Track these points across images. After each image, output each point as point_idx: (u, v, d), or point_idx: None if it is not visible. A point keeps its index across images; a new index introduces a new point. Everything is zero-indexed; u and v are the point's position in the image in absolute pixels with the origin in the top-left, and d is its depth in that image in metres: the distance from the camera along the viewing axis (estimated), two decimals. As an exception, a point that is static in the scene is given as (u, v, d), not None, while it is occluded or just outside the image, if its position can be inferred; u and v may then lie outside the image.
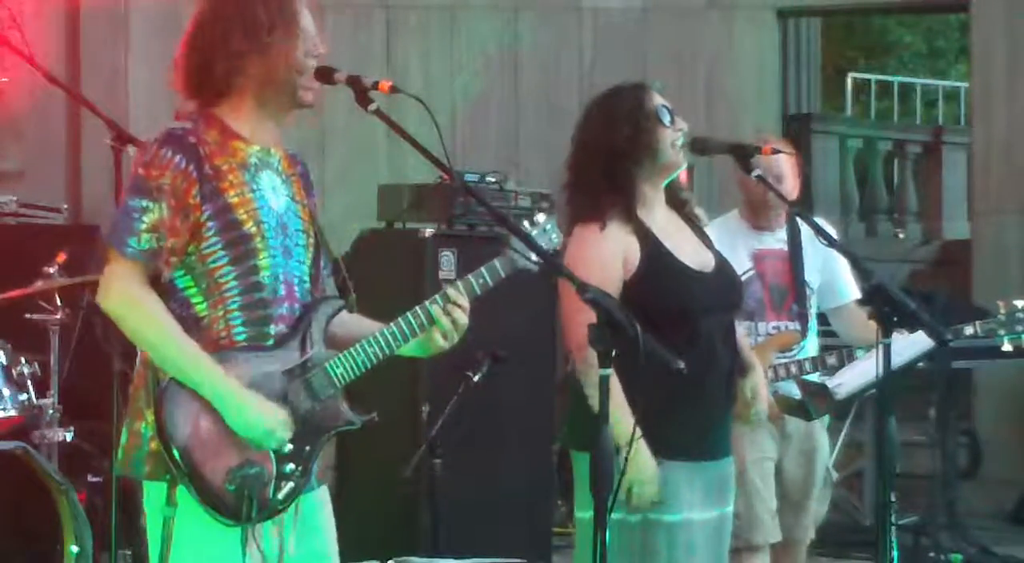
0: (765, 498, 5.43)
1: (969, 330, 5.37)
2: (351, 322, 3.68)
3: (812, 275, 5.61)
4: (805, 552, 5.77)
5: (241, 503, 3.42)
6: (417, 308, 3.61)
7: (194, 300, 3.52)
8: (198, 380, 3.45)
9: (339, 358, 3.57)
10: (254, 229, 3.53)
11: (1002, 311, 5.39)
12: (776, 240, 5.60)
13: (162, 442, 3.44)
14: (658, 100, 4.34)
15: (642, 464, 4.09)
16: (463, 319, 3.61)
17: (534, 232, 3.71)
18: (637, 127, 4.28)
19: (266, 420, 3.45)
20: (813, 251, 5.56)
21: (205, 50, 3.60)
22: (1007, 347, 5.40)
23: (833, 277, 5.64)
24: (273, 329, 3.54)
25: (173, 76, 3.67)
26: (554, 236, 3.74)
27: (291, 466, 3.50)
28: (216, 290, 3.51)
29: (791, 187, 5.56)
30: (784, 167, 5.53)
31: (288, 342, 3.55)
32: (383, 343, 3.58)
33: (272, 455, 3.48)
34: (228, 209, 3.51)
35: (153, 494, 3.51)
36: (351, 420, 3.60)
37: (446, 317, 3.60)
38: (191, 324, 3.50)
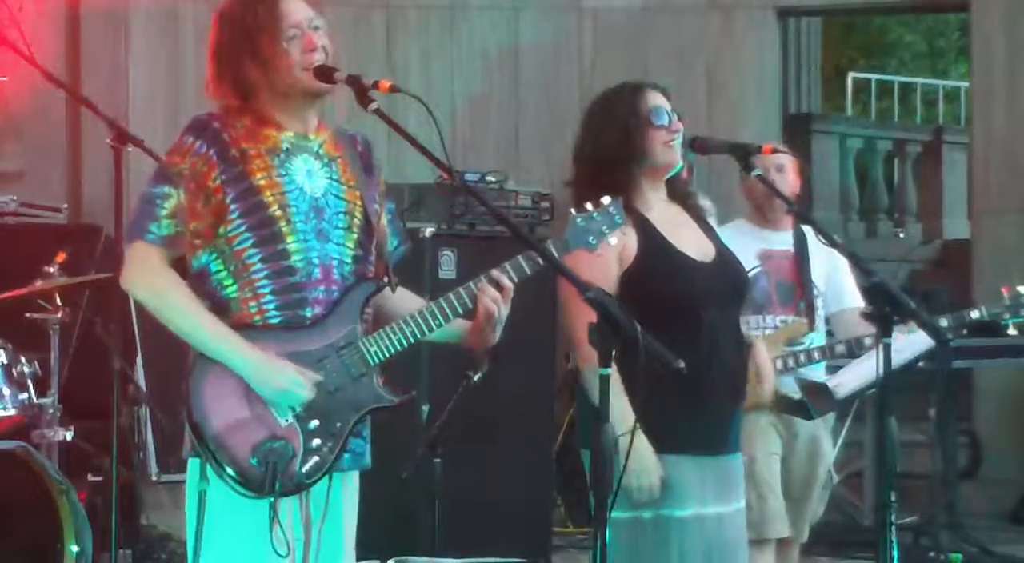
0: (777, 492, 5.48)
1: (975, 314, 5.40)
2: (397, 300, 3.70)
3: (818, 279, 5.66)
4: (798, 551, 5.81)
5: (264, 476, 3.46)
6: (460, 288, 3.62)
7: (225, 282, 3.58)
8: (220, 349, 3.50)
9: (373, 337, 3.59)
10: (279, 212, 3.57)
11: (1006, 296, 5.42)
12: (782, 241, 5.65)
13: (189, 419, 3.50)
14: (653, 101, 4.34)
15: (641, 455, 4.09)
16: (493, 308, 3.60)
17: (596, 213, 3.66)
18: (626, 132, 4.29)
19: (282, 378, 3.49)
20: (818, 257, 5.62)
21: (218, 67, 3.66)
22: (1012, 331, 5.42)
23: (837, 283, 5.68)
24: (310, 312, 3.58)
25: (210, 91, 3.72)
26: (617, 217, 3.67)
27: (318, 441, 3.53)
28: (244, 272, 3.56)
29: (792, 181, 5.61)
30: (783, 158, 5.59)
31: (324, 323, 3.57)
32: (420, 323, 3.59)
33: (299, 430, 3.52)
34: (253, 191, 3.56)
35: (191, 470, 3.57)
36: (385, 399, 3.61)
37: (483, 299, 3.60)
38: (223, 306, 3.56)
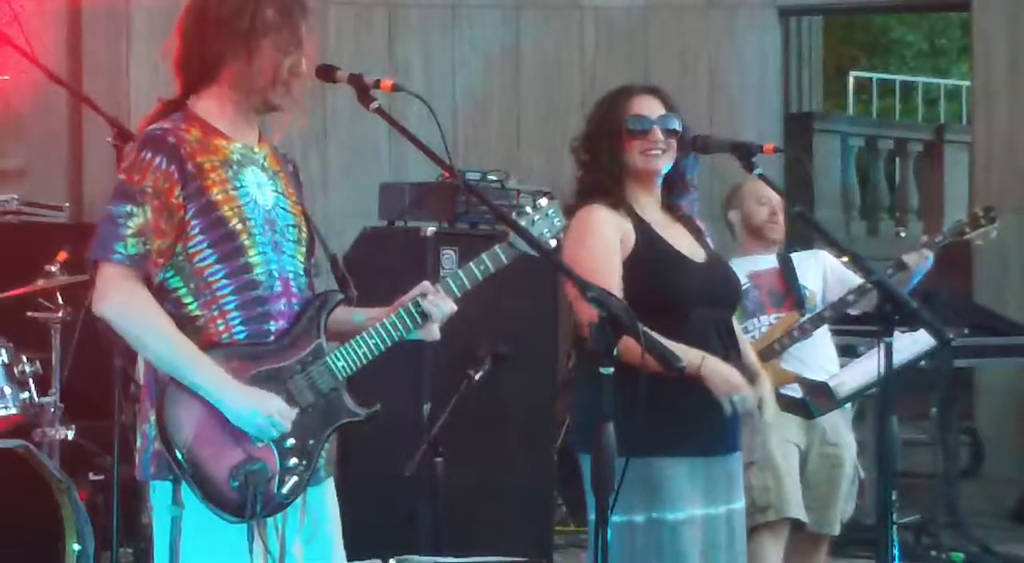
0: (793, 476, 5.52)
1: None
2: (351, 315, 3.68)
3: (811, 280, 5.82)
4: (827, 548, 5.88)
5: (245, 499, 3.42)
6: (419, 298, 3.62)
7: (185, 300, 3.53)
8: (194, 377, 3.45)
9: (340, 351, 3.57)
10: (240, 226, 3.53)
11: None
12: (767, 261, 5.85)
13: (164, 443, 3.45)
14: (635, 109, 4.37)
15: (720, 370, 4.14)
16: (446, 309, 3.63)
17: (536, 217, 3.68)
18: (597, 140, 4.38)
19: (264, 409, 3.45)
20: (807, 266, 5.86)
21: (204, 31, 3.58)
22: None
23: (836, 273, 5.87)
24: (273, 326, 3.55)
25: (169, 48, 3.65)
26: (556, 221, 3.70)
27: (294, 460, 3.51)
28: (206, 289, 3.52)
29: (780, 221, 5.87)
30: (768, 194, 5.77)
31: (288, 337, 3.55)
32: (384, 334, 3.58)
33: (275, 450, 3.49)
34: (212, 207, 3.51)
35: (159, 494, 3.52)
36: (355, 413, 3.60)
37: (436, 314, 3.61)
38: (185, 324, 3.51)
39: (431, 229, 6.88)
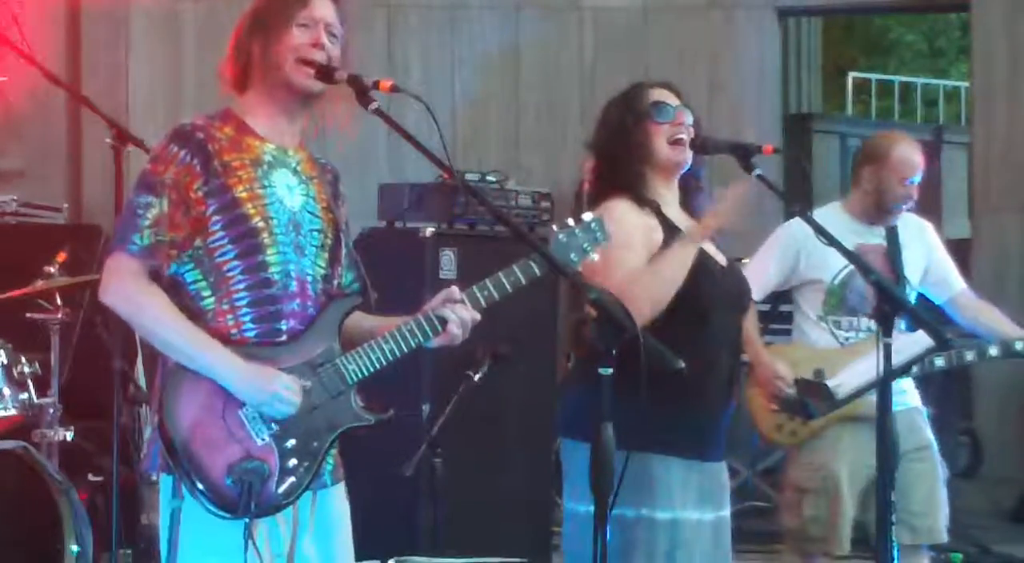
0: (850, 507, 5.39)
1: (1019, 345, 5.34)
2: (368, 321, 3.68)
3: (913, 273, 5.54)
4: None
5: (239, 497, 3.42)
6: (432, 313, 3.60)
7: (203, 293, 3.55)
8: (201, 357, 3.47)
9: (351, 355, 3.57)
10: (262, 224, 3.55)
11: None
12: (877, 236, 5.54)
13: (162, 434, 3.46)
14: (654, 97, 4.35)
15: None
16: (467, 316, 3.61)
17: (578, 230, 3.65)
18: (623, 131, 4.33)
19: (270, 385, 3.46)
20: (915, 250, 5.54)
21: (235, 39, 3.67)
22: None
23: (942, 270, 5.60)
24: (285, 325, 3.56)
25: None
26: (599, 234, 3.67)
27: (294, 461, 3.50)
28: (224, 284, 3.54)
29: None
30: (918, 157, 5.49)
31: (300, 339, 3.56)
32: (400, 340, 3.57)
33: (276, 450, 3.48)
34: (235, 203, 3.54)
35: (163, 486, 3.54)
36: (362, 418, 3.59)
37: (454, 319, 3.59)
38: (197, 316, 3.53)
39: (430, 230, 6.88)
